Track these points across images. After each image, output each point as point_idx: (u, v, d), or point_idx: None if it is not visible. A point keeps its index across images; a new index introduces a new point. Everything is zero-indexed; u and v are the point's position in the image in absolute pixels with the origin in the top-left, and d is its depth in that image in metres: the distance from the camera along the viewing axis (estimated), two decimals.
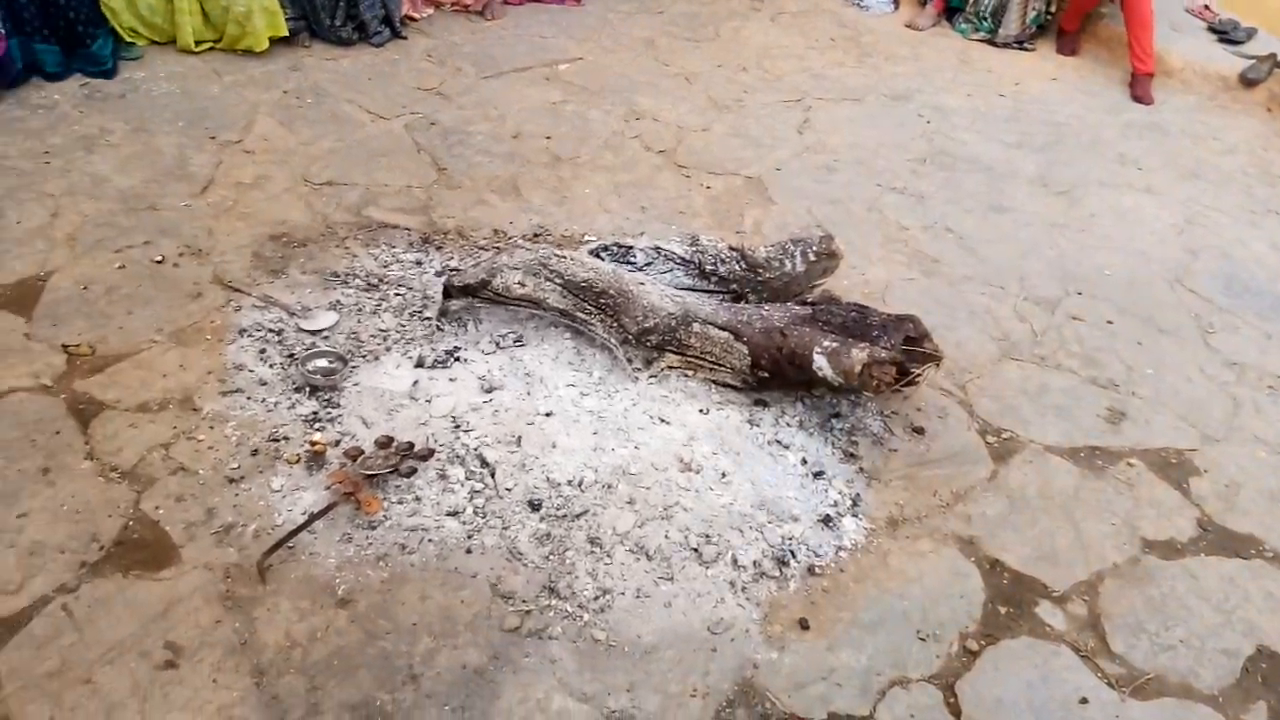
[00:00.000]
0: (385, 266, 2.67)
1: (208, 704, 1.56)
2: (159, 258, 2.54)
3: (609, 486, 2.06)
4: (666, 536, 1.98)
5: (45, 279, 2.40)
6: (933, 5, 4.96)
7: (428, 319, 2.48)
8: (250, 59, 3.58)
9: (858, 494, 2.15)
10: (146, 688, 1.57)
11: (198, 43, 3.52)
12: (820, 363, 2.13)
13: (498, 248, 2.80)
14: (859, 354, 2.10)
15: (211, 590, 1.74)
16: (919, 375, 2.20)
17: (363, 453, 2.02)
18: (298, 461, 2.02)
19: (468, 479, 2.04)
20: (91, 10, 3.28)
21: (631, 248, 2.54)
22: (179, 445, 2.02)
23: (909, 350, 2.17)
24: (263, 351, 2.30)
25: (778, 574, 1.94)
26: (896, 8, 5.09)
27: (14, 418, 2.01)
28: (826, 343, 2.15)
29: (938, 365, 2.25)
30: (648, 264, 2.52)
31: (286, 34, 3.63)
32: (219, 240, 2.65)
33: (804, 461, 2.19)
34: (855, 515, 2.09)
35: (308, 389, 2.20)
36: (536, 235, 2.90)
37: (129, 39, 3.44)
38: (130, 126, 3.08)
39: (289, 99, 3.41)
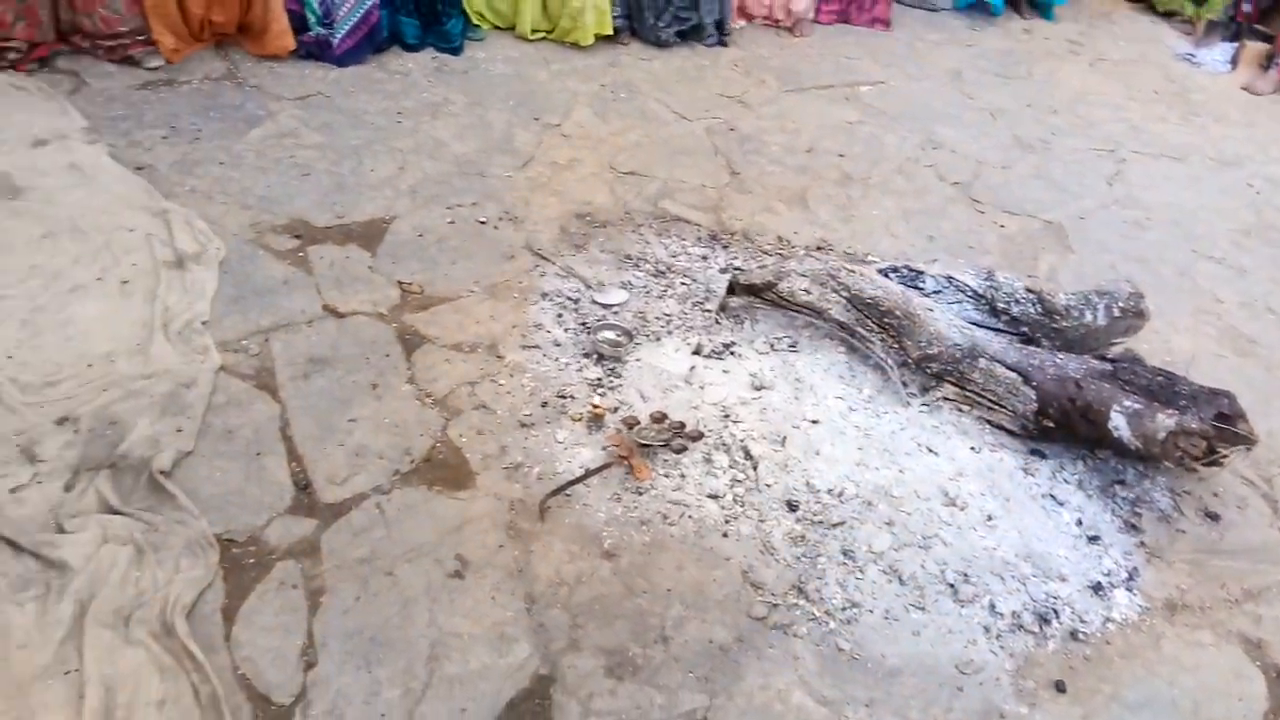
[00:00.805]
0: (674, 256, 2.81)
1: (485, 616, 1.72)
2: (483, 219, 2.81)
3: (869, 503, 2.05)
4: (923, 566, 1.95)
5: (389, 222, 2.72)
6: (1276, 70, 4.52)
7: (708, 311, 2.57)
8: (576, 51, 3.86)
9: (1135, 568, 2.01)
10: (437, 590, 1.75)
11: (533, 31, 3.85)
12: (1118, 422, 2.02)
13: (781, 254, 2.86)
14: (1166, 421, 1.97)
15: (498, 517, 1.91)
16: (1226, 456, 2.03)
17: (638, 423, 2.14)
18: (580, 420, 2.17)
19: (730, 467, 2.11)
20: None
21: (922, 273, 2.52)
22: (483, 385, 2.23)
23: (1220, 428, 2.01)
24: (560, 316, 2.49)
25: (1037, 630, 1.86)
26: (1234, 68, 4.68)
27: (354, 336, 2.30)
28: (1127, 403, 2.03)
29: (1248, 449, 2.07)
30: (937, 291, 2.49)
31: (611, 32, 3.89)
32: (533, 211, 2.89)
33: (1079, 523, 2.08)
34: (1130, 589, 1.96)
35: (595, 356, 2.36)
36: (819, 247, 2.94)
37: (476, 22, 3.82)
38: (469, 100, 3.42)
39: (605, 92, 3.65)
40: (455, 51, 3.67)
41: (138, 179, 2.66)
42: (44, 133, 2.77)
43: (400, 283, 2.50)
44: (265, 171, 2.81)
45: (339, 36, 3.38)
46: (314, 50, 3.41)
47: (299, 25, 3.37)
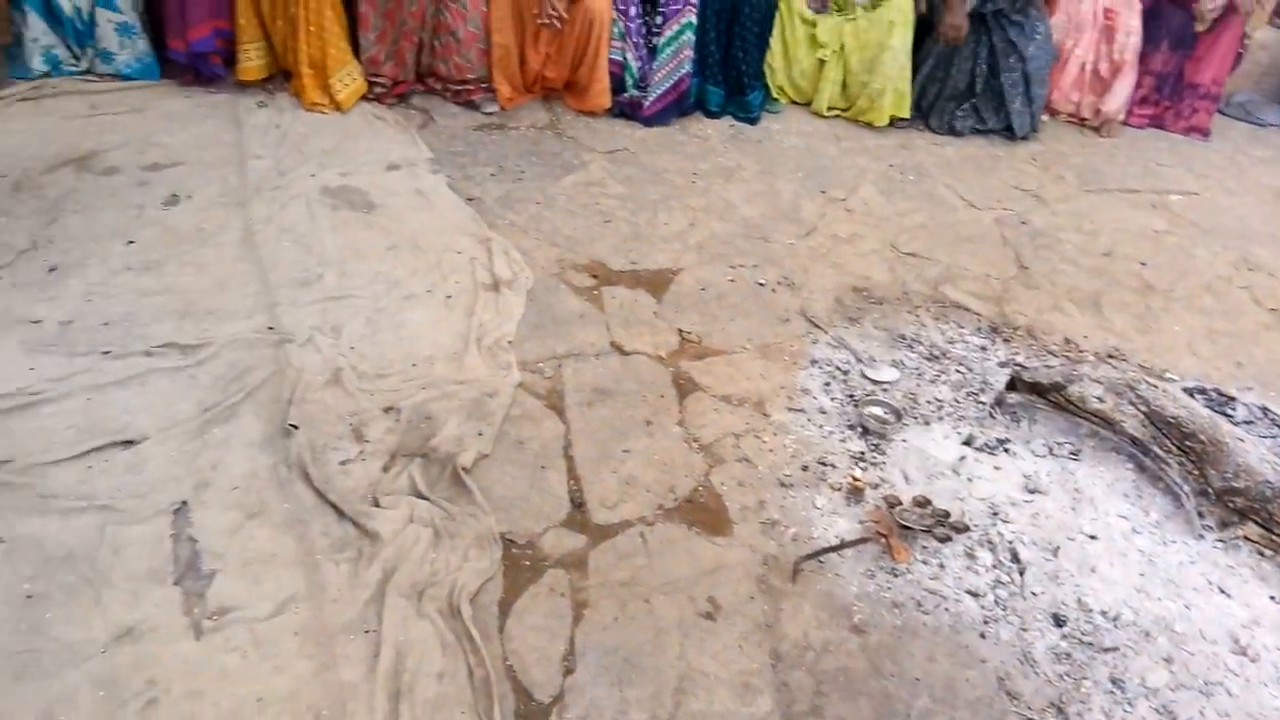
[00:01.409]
0: (950, 342, 2.76)
1: (732, 662, 1.76)
2: (762, 281, 2.91)
3: (1147, 634, 1.90)
4: (1201, 713, 1.78)
5: (676, 274, 2.88)
6: None
7: (983, 403, 2.51)
8: (868, 131, 3.92)
9: None
10: (689, 626, 1.82)
11: (829, 109, 3.95)
12: None
13: (1068, 356, 2.74)
14: None
15: (751, 569, 1.95)
16: None
17: (900, 503, 2.12)
18: (839, 490, 2.18)
19: (994, 567, 2.03)
20: (757, 68, 3.85)
21: (1233, 399, 2.33)
22: (747, 439, 2.29)
23: None
24: (828, 384, 2.52)
25: None
26: None
27: (635, 374, 2.45)
28: None
29: None
30: (1249, 422, 2.28)
31: (907, 116, 3.92)
32: (811, 279, 2.95)
33: None
34: None
35: (861, 429, 2.36)
36: (1111, 356, 2.78)
37: (776, 96, 3.98)
38: (760, 168, 3.57)
39: (893, 172, 3.67)
40: (752, 121, 3.85)
41: (468, 208, 3.00)
42: (397, 159, 3.19)
43: (680, 331, 2.64)
44: (573, 215, 3.07)
45: (650, 100, 3.65)
46: (626, 110, 3.70)
47: (617, 87, 3.67)
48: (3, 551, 1.72)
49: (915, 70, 3.89)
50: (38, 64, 3.24)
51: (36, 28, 3.20)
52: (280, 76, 3.47)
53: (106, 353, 2.19)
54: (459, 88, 3.56)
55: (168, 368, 2.17)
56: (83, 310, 2.31)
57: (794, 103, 4.04)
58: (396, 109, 3.51)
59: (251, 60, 3.34)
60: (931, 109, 3.99)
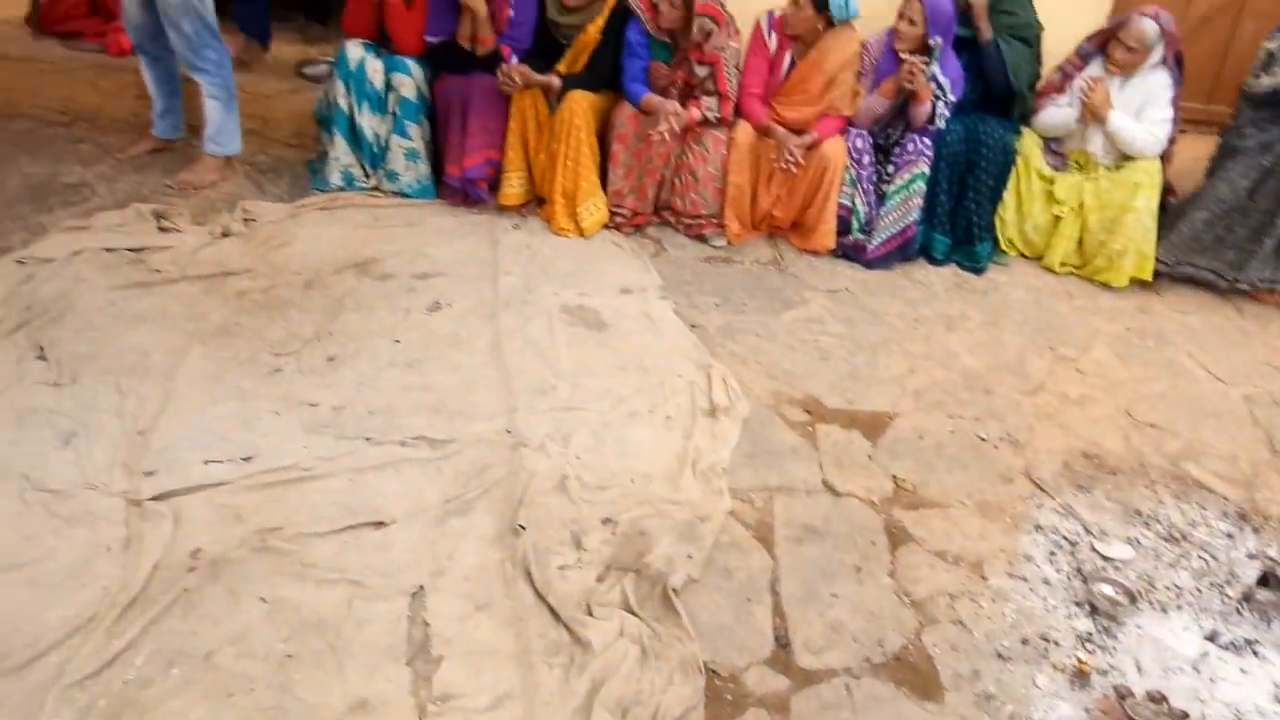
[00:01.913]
0: (1192, 525, 2.56)
1: None
2: (983, 435, 2.84)
3: None
4: None
5: (892, 418, 2.87)
6: None
7: (1229, 596, 2.30)
8: (1102, 290, 3.79)
9: None
10: None
11: (1062, 265, 3.86)
12: None
13: None
14: None
15: None
16: None
17: (1132, 696, 1.96)
18: (1063, 671, 2.05)
19: None
20: (988, 219, 3.84)
21: None
22: (962, 601, 2.21)
23: None
24: (1053, 554, 2.39)
25: None
26: None
27: (846, 516, 2.44)
28: None
29: None
30: None
31: (1149, 278, 3.76)
32: (1036, 439, 2.85)
33: None
34: None
35: (1089, 608, 2.22)
36: None
37: (1004, 248, 3.94)
38: (985, 319, 3.52)
39: (1130, 335, 3.51)
40: (978, 271, 3.82)
41: (691, 335, 3.14)
42: (630, 284, 3.40)
43: (895, 478, 2.61)
44: (792, 349, 3.15)
45: (875, 243, 3.72)
46: (849, 251, 3.78)
47: (842, 228, 3.76)
48: (266, 611, 1.92)
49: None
50: (336, 179, 3.74)
51: (340, 148, 3.71)
52: (534, 202, 3.81)
53: (368, 439, 2.44)
54: (692, 221, 3.77)
55: (418, 458, 2.39)
56: (352, 398, 2.59)
57: (1023, 256, 3.98)
58: (633, 237, 3.76)
59: (513, 187, 3.70)
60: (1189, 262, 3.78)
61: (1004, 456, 2.76)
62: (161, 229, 3.28)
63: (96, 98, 4.07)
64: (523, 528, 2.19)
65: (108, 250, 3.11)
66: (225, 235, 3.30)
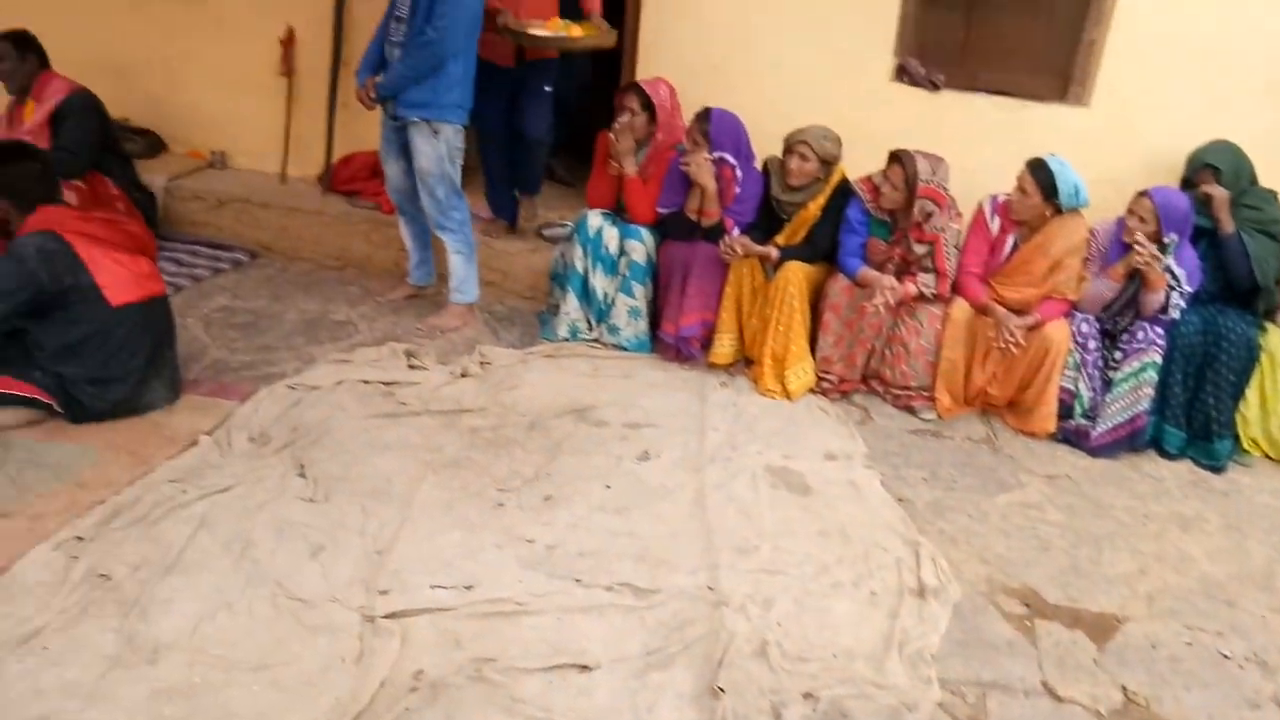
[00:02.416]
0: None
1: None
2: (1227, 653, 2.57)
3: None
4: None
5: (1121, 622, 2.66)
6: None
7: None
8: None
9: None
10: None
11: None
12: None
13: None
14: None
15: None
16: None
17: None
18: None
19: None
20: (1229, 416, 3.59)
21: None
22: None
23: None
24: None
25: None
26: None
27: None
28: None
29: None
30: None
31: None
32: None
33: None
34: None
35: None
36: None
37: (1247, 448, 3.65)
38: (1225, 522, 3.23)
39: None
40: (1217, 470, 3.54)
41: (898, 509, 3.08)
42: (835, 450, 3.40)
43: (1125, 689, 2.39)
44: (1007, 535, 3.01)
45: (1099, 430, 3.54)
46: (1070, 437, 3.62)
47: (1063, 412, 3.62)
48: None
49: None
50: (563, 331, 4.04)
51: (571, 304, 4.02)
52: (743, 363, 3.94)
53: (578, 580, 2.53)
54: (901, 392, 3.76)
55: (623, 605, 2.45)
56: (565, 538, 2.71)
57: (1268, 457, 3.66)
58: (839, 403, 3.78)
59: (724, 347, 3.86)
60: None
61: (1250, 678, 2.48)
62: (411, 366, 3.64)
63: (367, 248, 4.65)
64: (722, 690, 2.18)
65: (364, 382, 3.48)
66: (464, 375, 3.62)
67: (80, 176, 4.13)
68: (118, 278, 3.02)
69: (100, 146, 4.30)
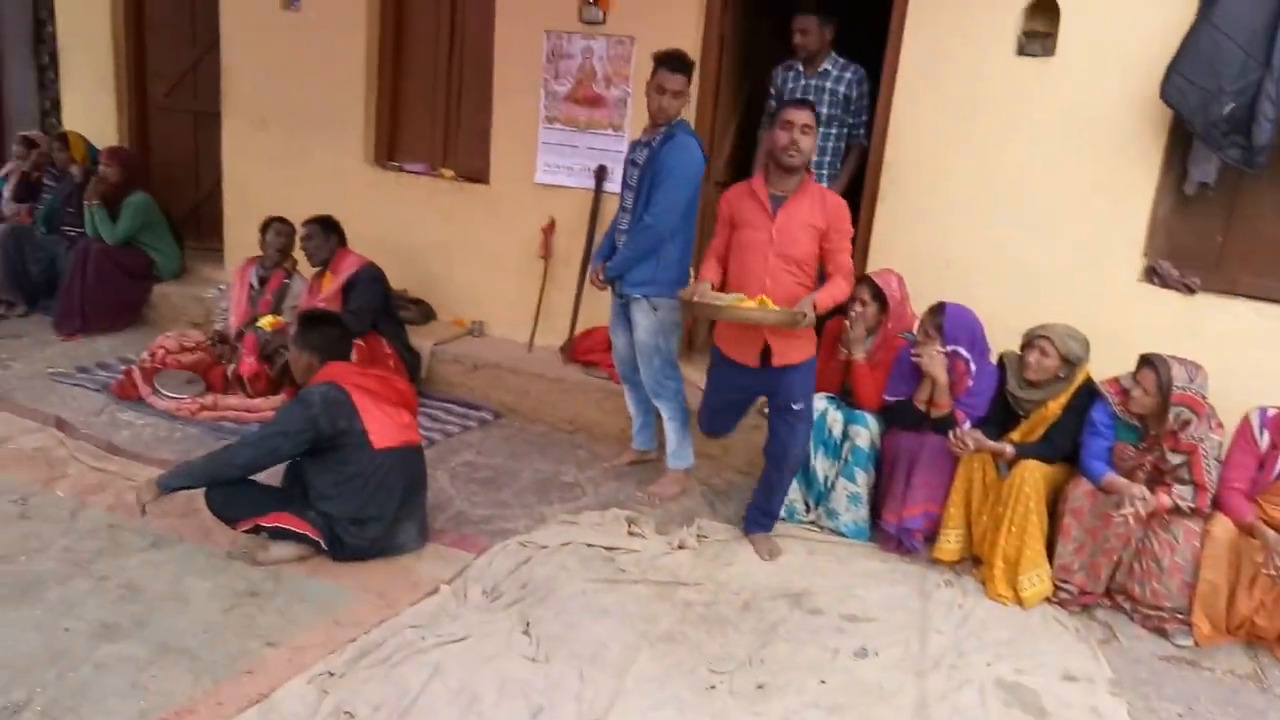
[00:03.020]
0: None
1: None
2: None
3: None
4: None
5: None
6: None
7: None
8: None
9: None
10: None
11: None
12: None
13: None
14: None
15: None
16: None
17: None
18: None
19: None
20: None
21: None
22: None
23: None
24: None
25: None
26: None
27: None
28: None
29: None
30: None
31: None
32: None
33: None
34: None
35: None
36: None
37: None
38: None
39: None
40: None
41: None
42: (1075, 671, 3.13)
43: None
44: None
45: None
46: None
47: None
48: None
49: None
50: (780, 511, 4.05)
51: (791, 487, 4.04)
52: (969, 561, 3.76)
53: None
54: (1151, 613, 3.43)
55: None
56: None
57: None
58: (1078, 617, 3.49)
59: (950, 543, 3.71)
60: None
61: None
62: (630, 533, 3.77)
63: (598, 414, 4.94)
64: None
65: (588, 545, 3.64)
66: (680, 547, 3.70)
67: (361, 336, 4.74)
68: (383, 425, 3.40)
69: (380, 312, 4.94)
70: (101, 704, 2.56)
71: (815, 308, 3.34)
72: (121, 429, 4.53)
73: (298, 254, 5.15)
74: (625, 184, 4.10)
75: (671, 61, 3.83)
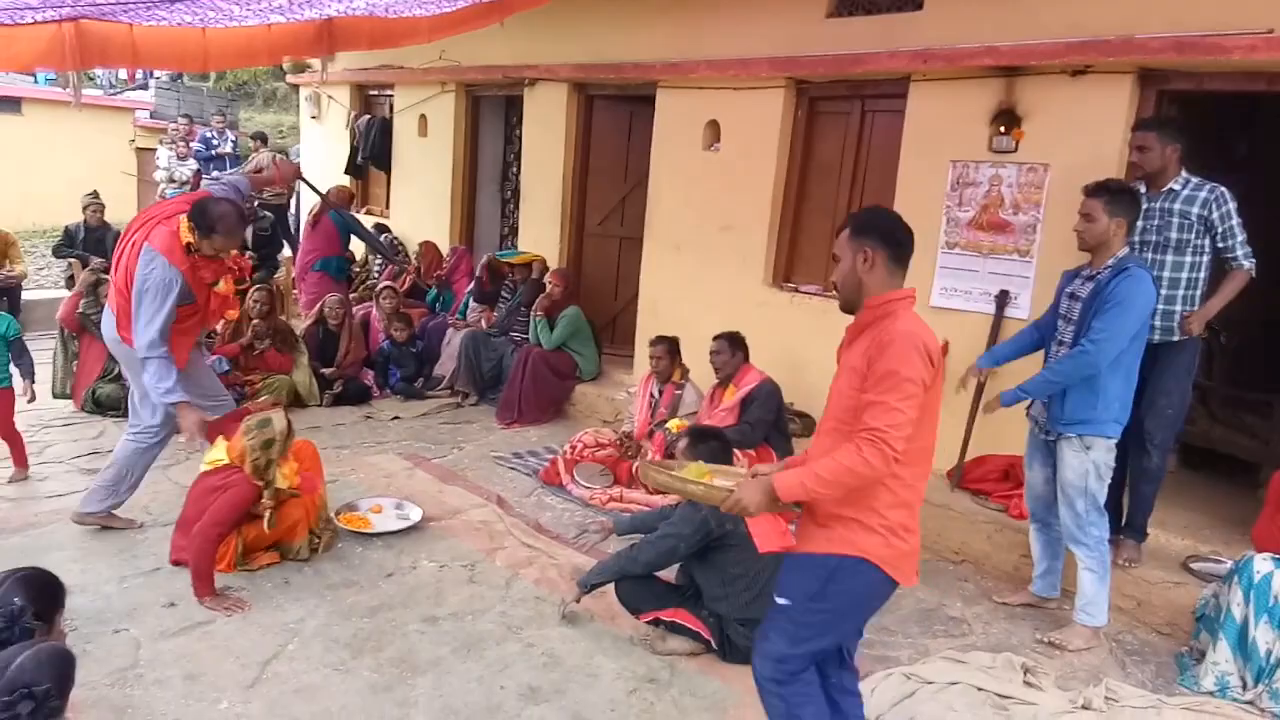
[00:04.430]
0: None
1: None
2: None
3: None
4: None
5: None
6: None
7: None
8: None
9: None
10: None
11: None
12: None
13: None
14: None
15: None
16: None
17: None
18: None
19: None
20: None
21: None
22: None
23: None
24: None
25: None
26: None
27: None
28: None
29: None
30: None
31: None
32: None
33: None
34: None
35: None
36: None
37: None
38: None
39: None
40: None
41: None
42: None
43: None
44: None
45: None
46: None
47: None
48: None
49: None
50: (1209, 683, 3.54)
51: (1223, 654, 3.53)
52: None
53: None
54: None
55: None
56: None
57: None
58: None
59: None
60: None
61: None
62: (1026, 683, 3.51)
63: (988, 547, 4.71)
64: None
65: (978, 689, 3.45)
66: (1085, 708, 3.37)
67: (753, 447, 5.01)
68: (766, 531, 3.55)
69: (772, 425, 5.19)
70: None
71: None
72: (546, 510, 5.21)
73: (700, 363, 5.62)
74: (1062, 316, 3.90)
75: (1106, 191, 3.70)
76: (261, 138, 12.48)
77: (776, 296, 6.17)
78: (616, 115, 7.62)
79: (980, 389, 4.97)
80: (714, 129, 6.45)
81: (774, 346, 5.81)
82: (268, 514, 4.00)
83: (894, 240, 2.56)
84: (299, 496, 4.17)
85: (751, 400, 5.20)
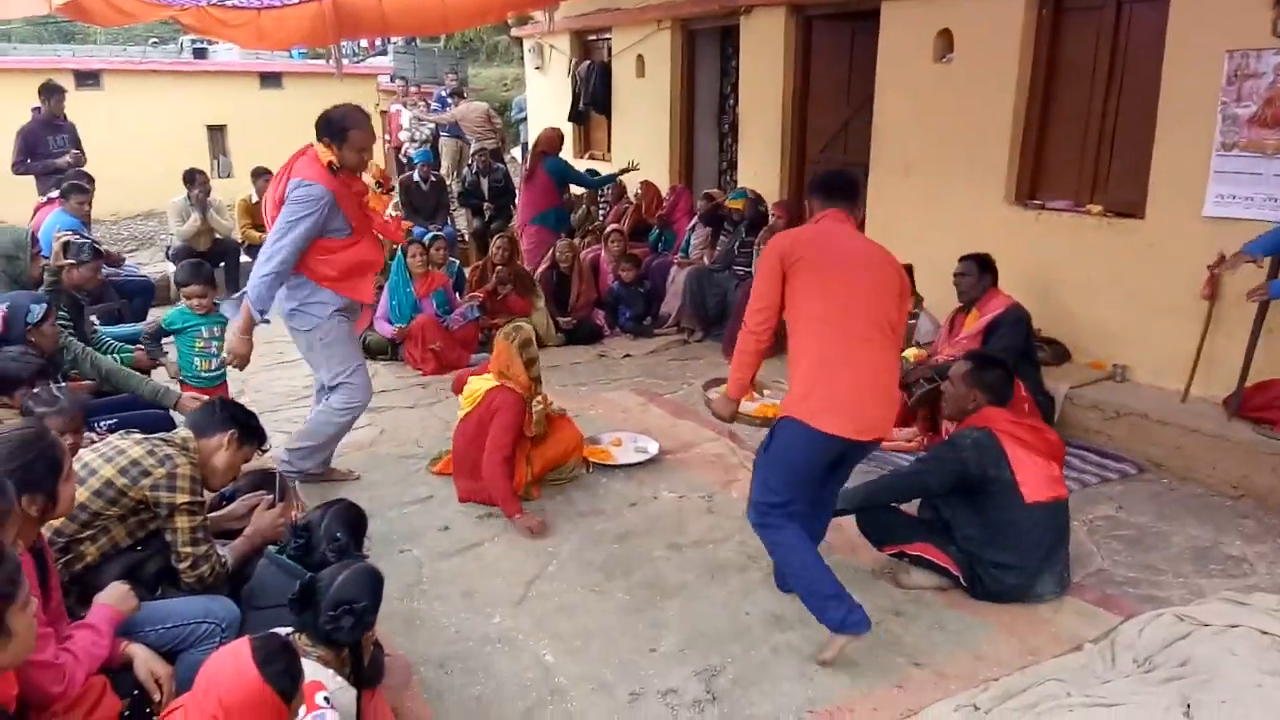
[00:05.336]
0: None
1: None
2: None
3: None
4: None
5: None
6: None
7: None
8: None
9: None
10: None
11: None
12: None
13: None
14: None
15: None
16: None
17: None
18: None
19: None
20: None
21: None
22: None
23: None
24: None
25: None
26: None
27: None
28: None
29: None
30: None
31: None
32: None
33: None
34: None
35: None
36: None
37: None
38: None
39: None
40: None
41: None
42: None
43: None
44: None
45: None
46: None
47: None
48: None
49: None
50: None
51: None
52: None
53: None
54: None
55: None
56: None
57: None
58: None
59: None
60: None
61: None
62: None
63: (1272, 481, 4.25)
64: None
65: (1263, 633, 3.16)
66: None
67: None
68: (1035, 478, 3.39)
69: (1020, 354, 4.88)
70: (777, 684, 3.03)
71: None
72: None
73: (935, 290, 5.39)
74: None
75: None
76: (459, 93, 13.53)
77: (1020, 215, 5.76)
78: (837, 36, 7.33)
79: (1263, 310, 4.45)
80: (945, 38, 6.05)
81: (1017, 269, 5.45)
82: (537, 412, 4.35)
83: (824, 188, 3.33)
84: (565, 415, 4.67)
85: (997, 326, 4.90)
